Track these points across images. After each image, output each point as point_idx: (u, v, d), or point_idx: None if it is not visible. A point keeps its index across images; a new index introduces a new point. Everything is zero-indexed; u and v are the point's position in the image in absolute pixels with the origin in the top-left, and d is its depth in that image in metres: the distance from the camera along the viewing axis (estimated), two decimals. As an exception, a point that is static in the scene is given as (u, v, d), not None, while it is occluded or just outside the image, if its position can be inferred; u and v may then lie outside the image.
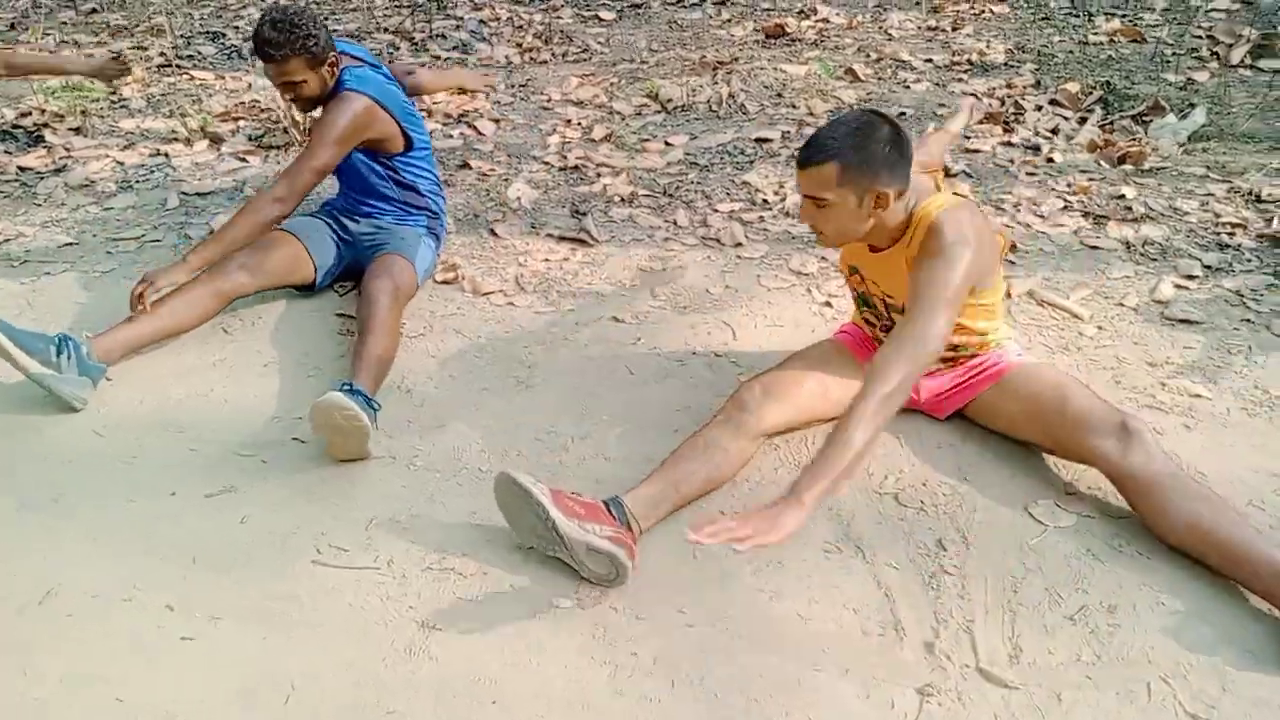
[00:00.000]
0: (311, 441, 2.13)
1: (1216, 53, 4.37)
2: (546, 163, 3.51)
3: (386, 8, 5.48)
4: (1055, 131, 3.75)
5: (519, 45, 4.91)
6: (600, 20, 5.30)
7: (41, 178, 3.42)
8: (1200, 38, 4.55)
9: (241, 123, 3.86)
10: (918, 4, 5.31)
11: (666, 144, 3.64)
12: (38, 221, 3.15)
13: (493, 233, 3.04)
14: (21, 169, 3.47)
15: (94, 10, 5.49)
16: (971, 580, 1.75)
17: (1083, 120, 3.87)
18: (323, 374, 2.39)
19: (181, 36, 4.97)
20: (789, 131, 3.69)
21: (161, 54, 4.63)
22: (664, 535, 1.83)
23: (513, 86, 4.30)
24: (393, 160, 2.62)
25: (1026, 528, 1.86)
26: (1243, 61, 4.29)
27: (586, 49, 4.86)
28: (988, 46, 4.55)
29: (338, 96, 2.45)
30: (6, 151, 3.55)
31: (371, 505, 1.97)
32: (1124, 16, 4.91)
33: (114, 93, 4.06)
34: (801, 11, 5.23)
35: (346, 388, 2.03)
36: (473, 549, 1.85)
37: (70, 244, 3.01)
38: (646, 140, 3.67)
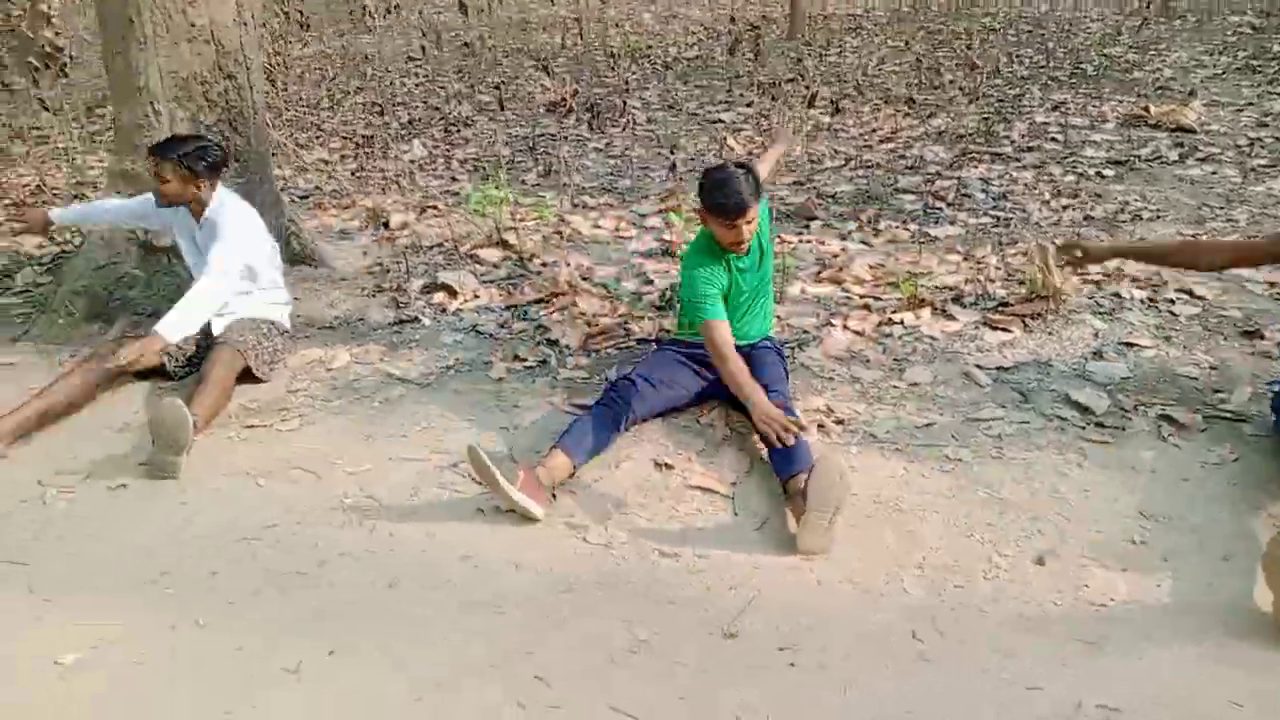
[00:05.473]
0: None
1: None
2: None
3: (901, 182, 5.46)
4: None
5: (1045, 202, 4.79)
6: (1103, 176, 5.17)
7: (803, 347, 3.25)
8: None
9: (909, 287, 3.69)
10: None
11: None
12: (852, 396, 2.94)
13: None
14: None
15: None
16: None
17: None
18: None
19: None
20: None
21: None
22: None
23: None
24: None
25: None
26: None
27: (1127, 204, 4.70)
28: None
29: None
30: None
31: None
32: None
33: None
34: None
35: None
36: None
37: (927, 425, 2.78)
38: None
